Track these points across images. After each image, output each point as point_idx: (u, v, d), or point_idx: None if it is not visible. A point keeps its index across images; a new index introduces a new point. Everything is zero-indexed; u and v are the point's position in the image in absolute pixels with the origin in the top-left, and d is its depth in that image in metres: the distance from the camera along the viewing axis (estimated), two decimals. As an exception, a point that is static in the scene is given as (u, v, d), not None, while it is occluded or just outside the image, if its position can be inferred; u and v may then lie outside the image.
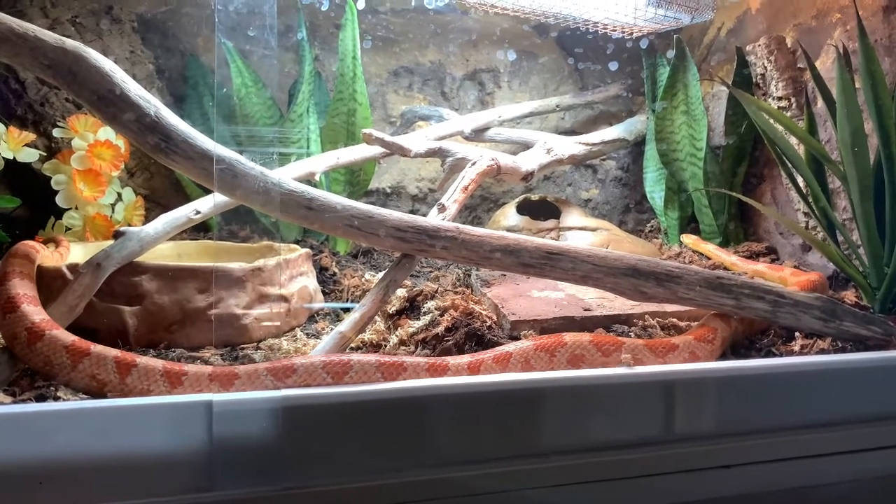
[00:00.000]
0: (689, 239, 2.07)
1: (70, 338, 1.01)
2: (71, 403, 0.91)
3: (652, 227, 2.43)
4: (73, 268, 1.21)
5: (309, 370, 0.98)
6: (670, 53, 2.08)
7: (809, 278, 1.53)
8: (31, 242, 1.28)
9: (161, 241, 1.37)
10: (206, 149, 1.13)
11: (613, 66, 2.36)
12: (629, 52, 2.33)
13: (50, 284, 1.22)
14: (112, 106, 1.10)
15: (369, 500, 0.91)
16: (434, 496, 0.94)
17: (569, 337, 1.14)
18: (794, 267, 1.83)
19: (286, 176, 1.23)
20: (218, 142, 1.13)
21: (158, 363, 0.99)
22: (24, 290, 1.08)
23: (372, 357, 1.01)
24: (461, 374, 1.05)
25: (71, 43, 1.09)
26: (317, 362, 0.99)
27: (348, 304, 1.54)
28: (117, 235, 1.28)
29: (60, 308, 1.12)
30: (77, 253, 1.42)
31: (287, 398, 0.90)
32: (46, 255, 1.30)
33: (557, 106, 2.36)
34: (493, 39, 2.35)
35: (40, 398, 0.94)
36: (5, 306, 1.04)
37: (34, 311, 1.04)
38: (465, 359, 1.08)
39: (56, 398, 0.95)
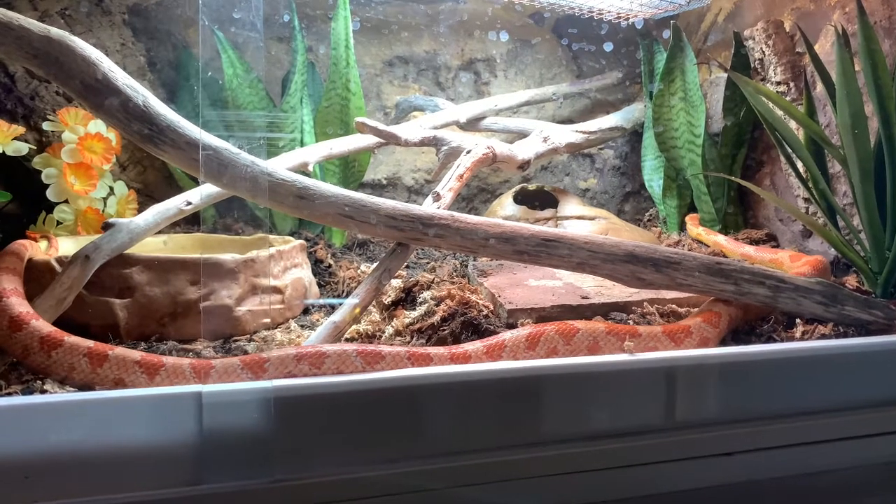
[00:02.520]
0: (694, 227, 2.05)
1: (47, 328, 1.01)
2: (57, 396, 0.90)
3: (651, 215, 2.42)
4: (63, 261, 1.20)
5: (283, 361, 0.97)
6: (666, 33, 2.06)
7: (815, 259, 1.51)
8: (23, 241, 1.28)
9: (152, 233, 1.35)
10: (196, 138, 1.11)
11: (610, 53, 2.34)
12: (626, 40, 2.31)
13: (39, 278, 1.20)
14: (99, 95, 1.08)
15: (362, 492, 0.89)
16: (429, 487, 0.92)
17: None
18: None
19: (278, 165, 1.21)
20: (205, 129, 1.11)
21: (136, 354, 0.99)
22: (10, 285, 1.09)
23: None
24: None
25: (56, 32, 1.07)
26: (291, 353, 0.98)
27: (344, 300, 1.52)
28: (107, 227, 1.26)
29: (48, 301, 1.10)
30: (68, 247, 1.41)
31: (278, 389, 0.88)
32: (38, 252, 1.29)
33: (554, 94, 2.34)
34: (489, 28, 2.32)
35: (27, 391, 0.93)
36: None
37: (17, 303, 1.04)
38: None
39: (43, 391, 0.93)
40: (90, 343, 1.01)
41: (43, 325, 1.02)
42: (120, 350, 1.00)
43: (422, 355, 1.02)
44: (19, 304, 1.04)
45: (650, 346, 1.12)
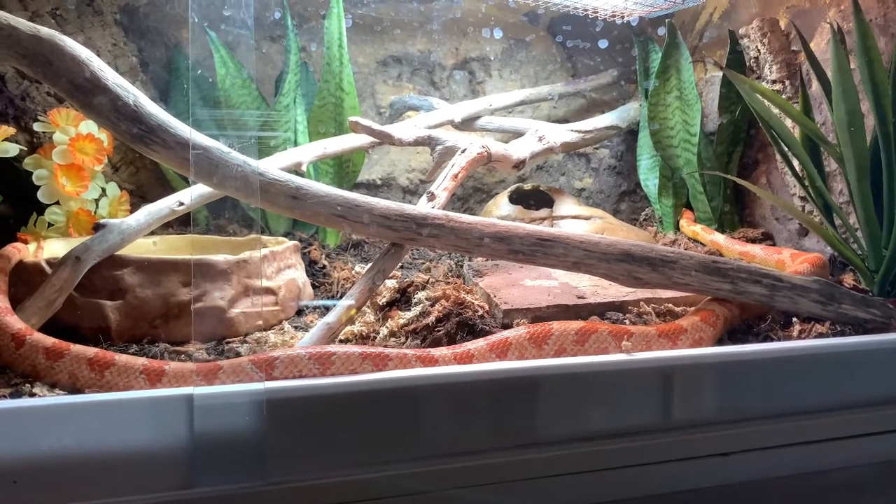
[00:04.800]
0: (688, 224, 2.04)
1: (18, 325, 1.04)
2: (46, 399, 0.88)
3: (647, 215, 2.41)
4: (54, 262, 1.18)
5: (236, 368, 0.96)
6: (661, 30, 2.05)
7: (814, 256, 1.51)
8: (15, 245, 1.28)
9: (144, 234, 1.34)
10: (186, 137, 1.10)
11: (605, 51, 2.33)
12: (621, 39, 2.31)
13: (29, 280, 1.19)
14: (89, 94, 1.07)
15: (356, 495, 0.88)
16: (424, 489, 0.91)
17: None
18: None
19: (271, 165, 1.20)
20: (196, 128, 1.10)
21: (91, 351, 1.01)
22: None
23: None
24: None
25: (46, 31, 1.06)
26: (244, 361, 0.97)
27: (338, 301, 1.51)
28: (98, 228, 1.25)
29: (38, 302, 1.09)
30: (59, 249, 1.39)
31: (270, 390, 0.87)
32: (28, 255, 1.29)
33: (549, 94, 2.33)
34: (484, 27, 2.31)
35: (15, 395, 0.91)
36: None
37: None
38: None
39: (32, 394, 0.92)
40: (53, 341, 1.02)
41: (14, 322, 1.03)
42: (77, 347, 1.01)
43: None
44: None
45: (645, 347, 1.11)
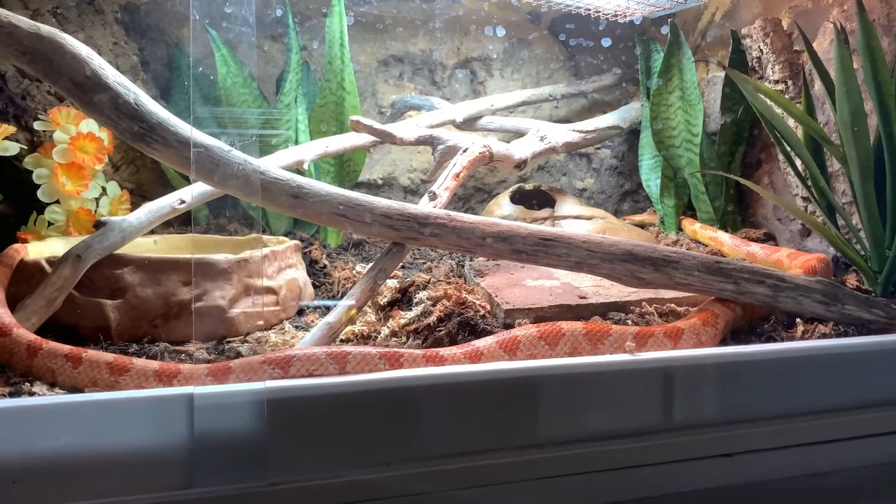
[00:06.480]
0: (690, 225, 2.03)
1: (7, 319, 1.05)
2: (46, 399, 0.88)
3: (649, 213, 2.40)
4: (53, 261, 1.18)
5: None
6: (664, 29, 2.04)
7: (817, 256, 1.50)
8: (16, 245, 1.28)
9: (144, 232, 1.34)
10: (187, 136, 1.10)
11: (607, 51, 2.33)
12: (623, 39, 2.30)
13: (29, 279, 1.18)
14: (89, 92, 1.06)
15: (357, 496, 0.88)
16: (425, 490, 0.90)
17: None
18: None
19: (272, 164, 1.19)
20: (197, 126, 1.10)
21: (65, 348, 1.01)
22: None
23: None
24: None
25: (47, 29, 1.05)
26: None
27: (339, 301, 1.50)
28: (98, 226, 1.24)
29: (38, 301, 1.09)
30: (60, 248, 1.39)
31: (271, 390, 0.86)
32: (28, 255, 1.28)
33: (551, 95, 2.33)
34: (485, 27, 2.31)
35: (14, 394, 0.91)
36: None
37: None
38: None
39: (31, 394, 0.91)
40: (32, 337, 1.02)
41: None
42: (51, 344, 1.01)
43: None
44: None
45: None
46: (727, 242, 1.89)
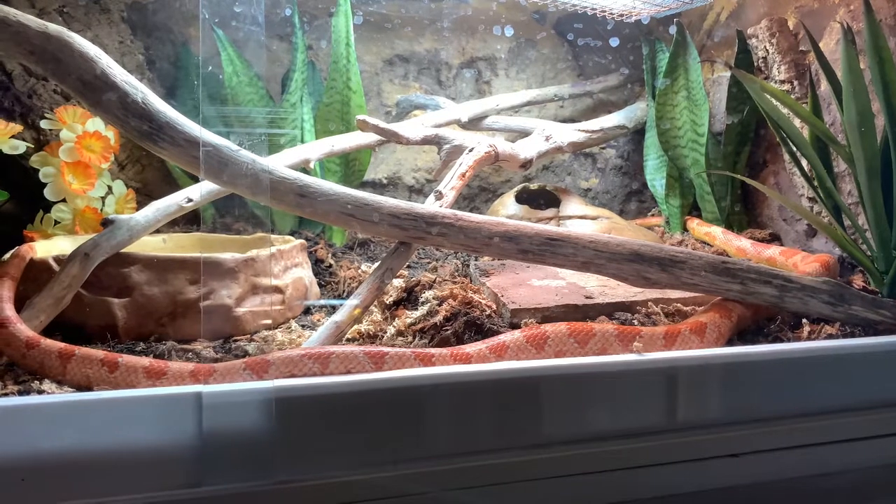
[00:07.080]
0: (697, 226, 2.04)
1: (6, 313, 1.06)
2: (55, 397, 0.88)
3: (653, 215, 2.40)
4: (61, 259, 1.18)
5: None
6: (672, 29, 2.04)
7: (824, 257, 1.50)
8: (27, 244, 1.28)
9: (152, 230, 1.34)
10: (195, 135, 1.10)
11: (614, 54, 2.32)
12: (629, 40, 2.30)
13: (37, 277, 1.19)
14: (97, 91, 1.06)
15: (364, 494, 0.88)
16: (432, 489, 0.90)
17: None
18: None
19: (279, 163, 1.20)
20: (205, 125, 1.10)
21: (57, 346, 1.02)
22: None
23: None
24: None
25: (54, 28, 1.06)
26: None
27: (345, 300, 1.51)
28: (106, 224, 1.24)
29: (46, 300, 1.09)
30: (66, 246, 1.39)
31: (279, 389, 0.86)
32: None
33: (556, 96, 2.33)
34: (491, 26, 2.31)
35: (23, 392, 0.91)
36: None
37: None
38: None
39: (40, 392, 0.91)
40: (30, 333, 1.03)
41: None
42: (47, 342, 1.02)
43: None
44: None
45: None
46: (719, 237, 1.90)
